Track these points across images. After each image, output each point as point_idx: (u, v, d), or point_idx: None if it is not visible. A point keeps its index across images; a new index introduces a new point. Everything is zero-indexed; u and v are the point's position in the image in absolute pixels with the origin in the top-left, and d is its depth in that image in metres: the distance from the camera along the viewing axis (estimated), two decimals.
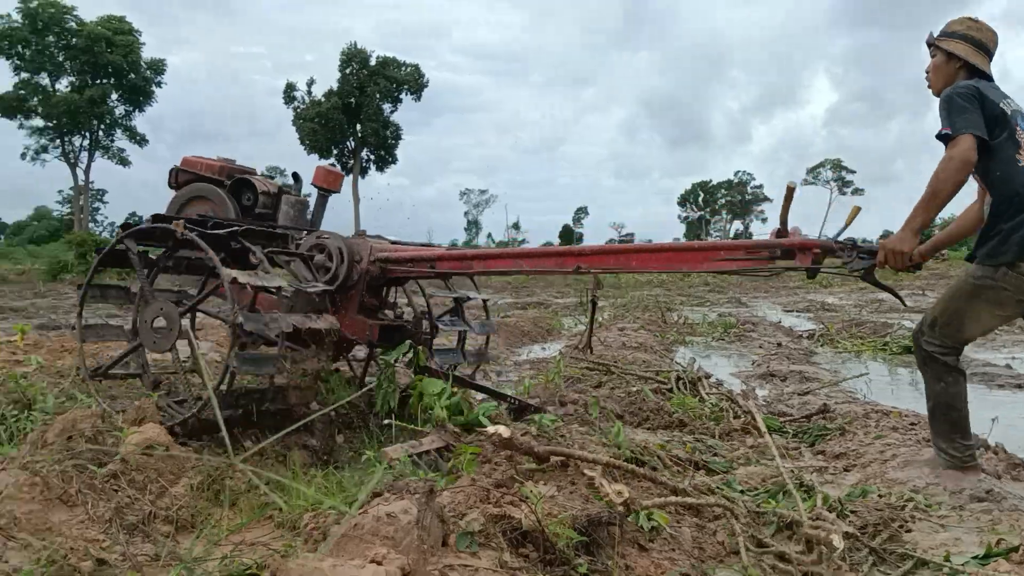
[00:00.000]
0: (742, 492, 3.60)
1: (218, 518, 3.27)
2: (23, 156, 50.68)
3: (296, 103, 59.16)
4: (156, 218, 4.22)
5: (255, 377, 4.63)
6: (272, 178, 5.33)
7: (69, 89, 49.01)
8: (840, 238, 3.60)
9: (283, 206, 5.10)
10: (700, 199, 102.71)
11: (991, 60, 3.73)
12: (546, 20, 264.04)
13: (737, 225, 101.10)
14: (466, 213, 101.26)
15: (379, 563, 1.66)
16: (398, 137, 60.54)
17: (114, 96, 50.62)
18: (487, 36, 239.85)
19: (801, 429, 5.05)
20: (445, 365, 4.88)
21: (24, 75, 48.08)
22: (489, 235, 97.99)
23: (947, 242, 4.03)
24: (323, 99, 58.21)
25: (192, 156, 5.32)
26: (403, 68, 59.17)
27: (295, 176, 5.38)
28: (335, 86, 58.51)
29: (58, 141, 50.55)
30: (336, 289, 4.45)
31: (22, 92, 48.05)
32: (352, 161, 59.39)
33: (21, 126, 49.42)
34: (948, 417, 3.68)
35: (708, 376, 6.44)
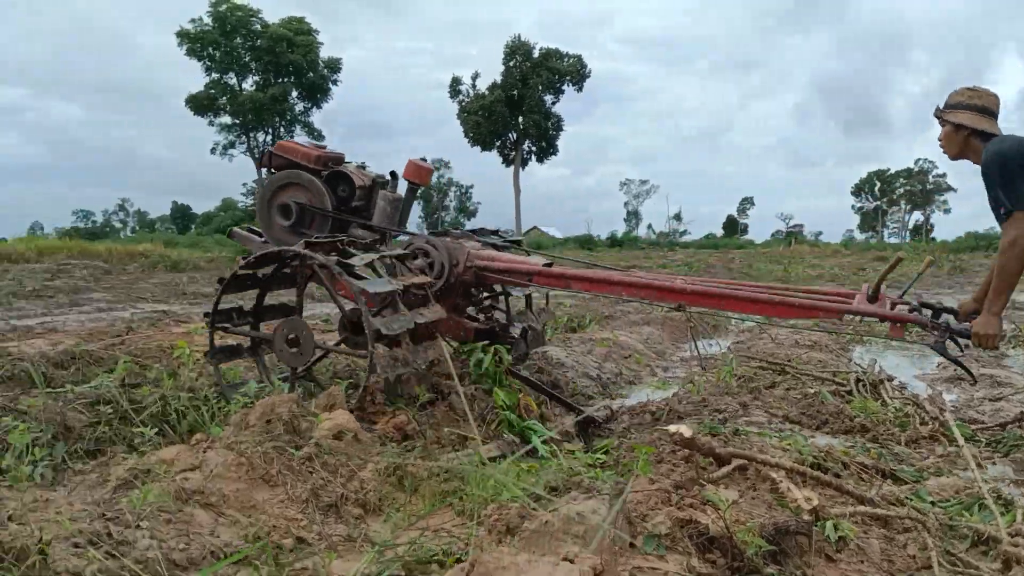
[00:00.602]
0: (933, 504, 3.42)
1: (402, 503, 3.43)
2: (212, 151, 54.52)
3: (461, 96, 60.51)
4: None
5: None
6: (364, 167, 5.34)
7: (254, 88, 52.20)
8: (912, 293, 3.82)
9: (379, 201, 5.13)
10: (876, 189, 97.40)
11: (996, 119, 3.93)
12: (711, 5, 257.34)
13: (916, 216, 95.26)
14: (626, 204, 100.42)
15: (571, 561, 1.69)
16: (559, 128, 60.81)
17: (294, 94, 53.47)
18: (649, 23, 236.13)
19: (995, 438, 4.73)
20: (517, 360, 5.04)
21: (214, 75, 51.67)
22: (649, 226, 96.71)
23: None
24: (487, 92, 59.24)
25: (288, 141, 5.37)
26: (565, 59, 59.30)
27: (392, 174, 5.36)
28: (498, 79, 59.44)
29: (244, 137, 53.94)
30: (439, 289, 4.65)
31: (212, 91, 51.63)
32: (514, 153, 60.19)
33: (211, 123, 53.15)
34: None
35: (890, 379, 6.13)
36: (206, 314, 4.72)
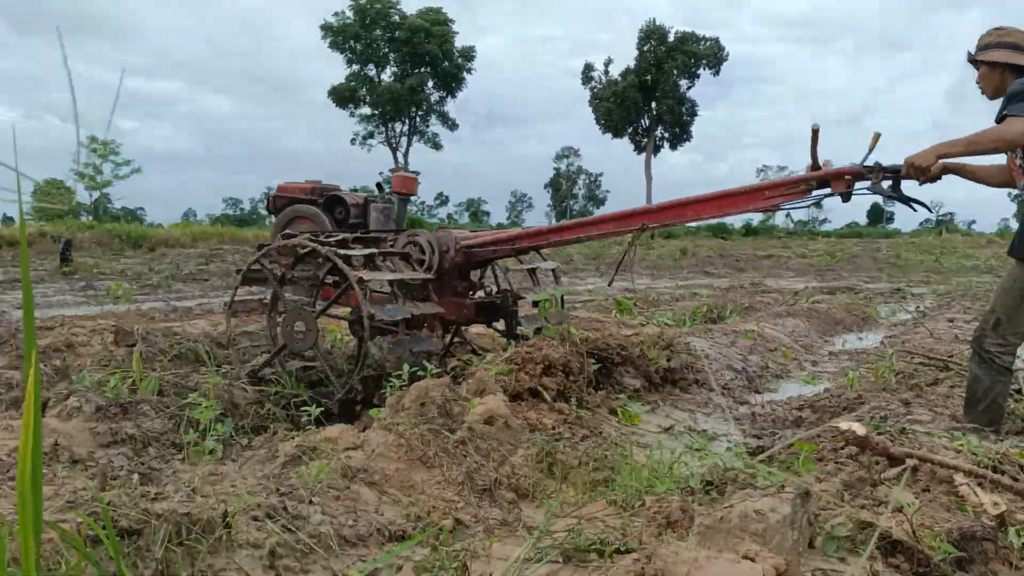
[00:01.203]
0: None
1: (553, 490, 3.44)
2: (352, 141, 56.49)
3: (593, 83, 60.17)
4: (284, 236, 4.98)
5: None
6: (355, 190, 5.95)
7: (392, 79, 53.66)
8: (867, 163, 4.12)
9: (372, 213, 5.73)
10: None
11: None
12: None
13: None
14: None
15: (752, 559, 1.65)
16: (694, 113, 59.65)
17: (430, 84, 54.60)
18: (789, 3, 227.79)
19: None
20: (530, 328, 5.46)
21: (355, 67, 53.42)
22: (788, 214, 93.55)
23: (960, 173, 4.21)
24: (619, 78, 58.69)
25: (285, 182, 5.95)
26: (702, 42, 58.07)
27: (379, 186, 6.04)
28: (632, 64, 58.78)
29: (381, 127, 55.55)
30: (439, 276, 5.10)
31: (353, 83, 53.40)
32: (646, 139, 59.45)
33: (351, 114, 55.01)
34: (990, 412, 3.94)
35: None
36: (226, 304, 5.17)
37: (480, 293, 5.67)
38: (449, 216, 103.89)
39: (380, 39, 52.66)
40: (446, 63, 53.59)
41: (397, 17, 52.23)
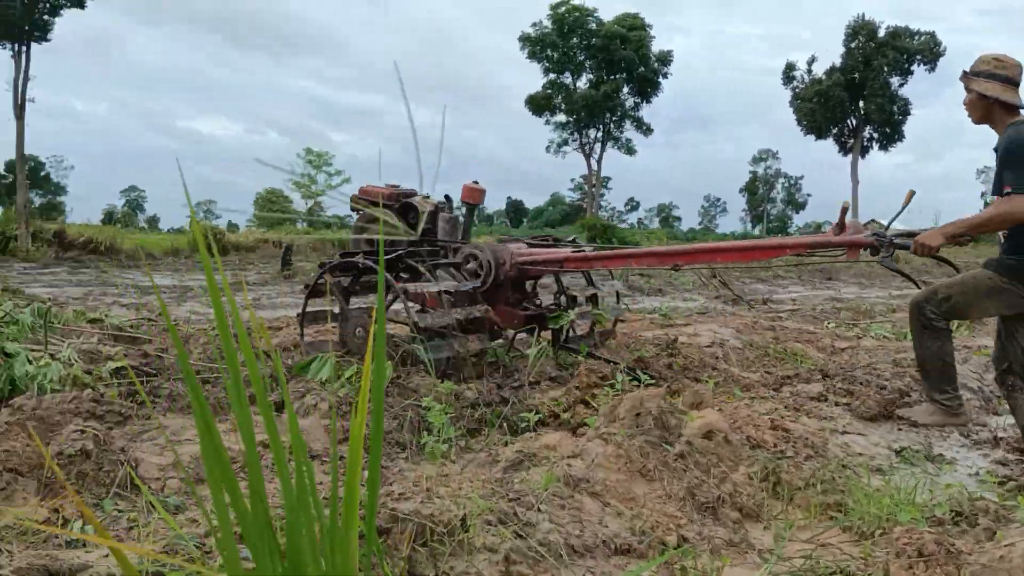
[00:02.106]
0: None
1: (779, 511, 3.29)
2: (547, 149, 57.28)
3: (795, 83, 57.75)
4: (343, 255, 5.51)
5: None
6: (427, 197, 6.24)
7: (588, 86, 53.97)
8: (896, 222, 4.56)
9: (440, 222, 6.03)
10: None
11: (1018, 88, 4.03)
12: None
13: None
14: (982, 194, 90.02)
15: None
16: (906, 112, 55.90)
17: (624, 89, 54.43)
18: None
19: None
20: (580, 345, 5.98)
21: (551, 76, 54.17)
22: None
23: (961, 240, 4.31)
24: (823, 76, 55.98)
25: (367, 186, 6.28)
26: (916, 37, 54.35)
27: (447, 198, 6.24)
28: (837, 62, 55.90)
29: (575, 134, 55.96)
30: (488, 288, 5.52)
31: (549, 91, 54.18)
32: (852, 141, 56.33)
33: (547, 122, 55.80)
34: (941, 371, 4.22)
35: None
36: (298, 315, 5.71)
37: (538, 301, 6.20)
38: (639, 222, 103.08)
39: (576, 47, 53.07)
40: (642, 68, 53.22)
41: (594, 25, 52.46)
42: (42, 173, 70.06)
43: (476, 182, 6.21)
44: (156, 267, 21.61)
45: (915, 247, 4.17)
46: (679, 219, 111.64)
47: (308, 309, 5.62)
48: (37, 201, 62.25)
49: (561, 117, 55.35)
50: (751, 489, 3.35)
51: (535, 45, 52.90)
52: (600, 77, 53.69)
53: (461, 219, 6.19)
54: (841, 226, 4.61)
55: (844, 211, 4.66)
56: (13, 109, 32.56)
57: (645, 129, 56.59)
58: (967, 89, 4.16)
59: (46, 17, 32.32)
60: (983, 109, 4.12)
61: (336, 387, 4.83)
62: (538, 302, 6.16)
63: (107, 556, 1.72)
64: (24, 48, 32.25)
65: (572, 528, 2.62)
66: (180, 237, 29.87)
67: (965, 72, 4.17)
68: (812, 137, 57.18)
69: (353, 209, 6.53)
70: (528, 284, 6.07)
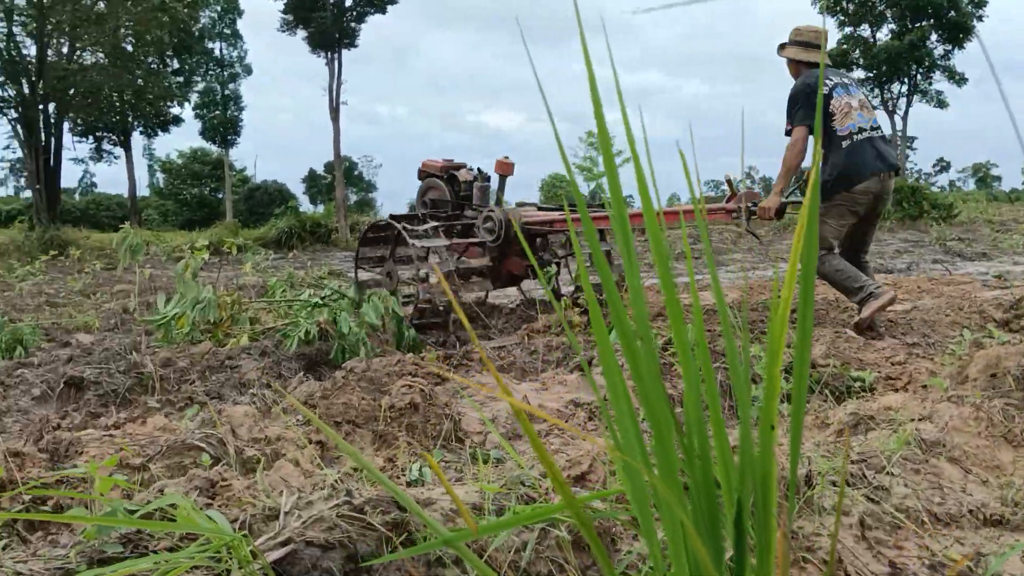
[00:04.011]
0: None
1: None
2: None
3: None
4: (392, 217, 6.78)
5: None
6: (472, 169, 7.63)
7: (889, 37, 49.66)
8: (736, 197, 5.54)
9: (474, 190, 7.35)
10: None
11: (819, 48, 5.22)
12: None
13: None
14: None
15: None
16: None
17: (932, 37, 49.43)
18: None
19: None
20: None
21: (847, 30, 50.45)
22: None
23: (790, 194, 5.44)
24: None
25: (427, 160, 7.81)
26: None
27: (479, 170, 7.60)
28: None
29: (877, 90, 51.74)
30: (501, 243, 6.81)
31: (845, 46, 50.50)
32: None
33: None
34: (844, 279, 4.99)
35: None
36: (355, 282, 7.06)
37: (547, 255, 7.42)
38: (951, 184, 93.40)
39: None
40: (951, 13, 47.96)
41: None
42: (355, 172, 77.15)
43: (507, 157, 7.54)
44: None
45: (759, 211, 5.26)
46: (998, 179, 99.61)
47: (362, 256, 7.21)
48: (352, 198, 68.72)
49: (860, 73, 51.43)
50: None
51: None
52: (903, 26, 49.18)
53: (492, 188, 7.61)
54: (733, 194, 5.61)
55: (728, 181, 5.79)
56: (329, 113, 36.04)
57: (958, 79, 51.03)
58: (780, 55, 5.43)
59: (353, 24, 35.37)
60: (793, 68, 5.40)
61: None
62: (547, 256, 7.40)
63: (446, 494, 1.71)
64: (336, 55, 35.54)
65: (932, 495, 2.29)
66: None
67: (781, 44, 5.41)
68: None
69: (419, 178, 8.02)
70: (538, 241, 7.33)
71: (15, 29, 26.75)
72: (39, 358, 5.47)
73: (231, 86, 50.06)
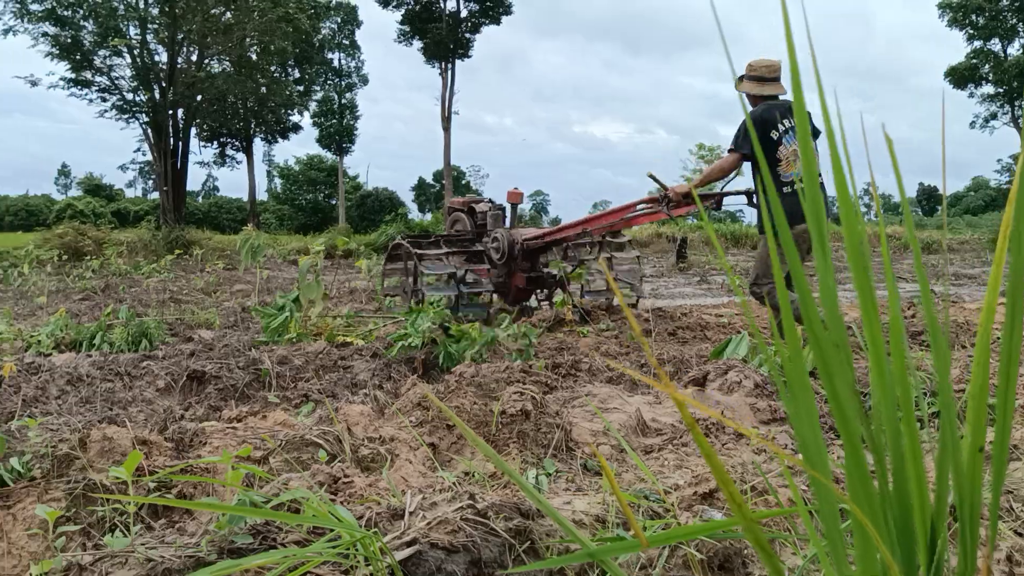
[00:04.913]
0: None
1: None
2: (971, 125, 51.04)
3: None
4: (405, 236, 8.08)
5: None
6: (488, 202, 8.70)
7: (1021, 52, 47.18)
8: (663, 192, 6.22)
9: (488, 218, 8.32)
10: None
11: (772, 81, 5.55)
12: None
13: None
14: None
15: None
16: None
17: None
18: None
19: None
20: (591, 301, 8.20)
21: (976, 44, 48.18)
22: None
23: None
24: None
25: (453, 198, 9.22)
26: None
27: (491, 201, 8.68)
28: None
29: (1006, 106, 49.23)
30: (506, 260, 7.83)
31: (974, 61, 48.26)
32: None
33: (971, 95, 49.76)
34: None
35: None
36: (381, 268, 8.47)
37: (545, 271, 8.09)
38: None
39: (1007, 9, 46.64)
40: None
41: None
42: (463, 181, 78.23)
43: (516, 188, 8.47)
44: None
45: (671, 194, 6.07)
46: None
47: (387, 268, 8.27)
48: None
49: (989, 88, 49.04)
50: None
51: (957, 12, 47.42)
52: None
53: (502, 214, 8.45)
54: (664, 188, 6.22)
55: (651, 177, 6.28)
56: (441, 122, 36.59)
57: None
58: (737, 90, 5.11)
59: (467, 35, 35.88)
60: (752, 100, 5.60)
61: (756, 364, 4.59)
62: (546, 270, 8.09)
63: (568, 503, 1.66)
64: (450, 65, 36.07)
65: None
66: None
67: (739, 77, 5.64)
68: None
69: (445, 216, 9.44)
70: (541, 258, 8.13)
71: (148, 37, 28.20)
72: (163, 351, 5.70)
73: (348, 95, 51.54)
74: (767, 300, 5.44)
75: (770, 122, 5.32)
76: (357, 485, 1.92)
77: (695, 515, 1.72)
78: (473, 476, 2.88)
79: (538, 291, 8.54)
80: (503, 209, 8.51)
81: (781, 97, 5.56)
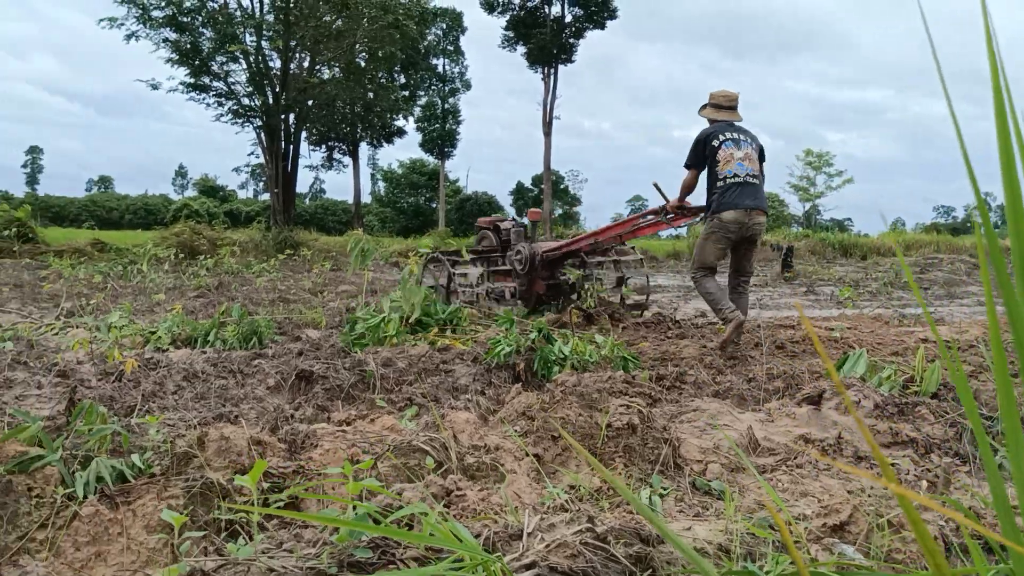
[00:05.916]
0: None
1: None
2: None
3: None
4: (443, 252, 9.50)
5: None
6: (512, 220, 9.73)
7: None
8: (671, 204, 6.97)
9: (512, 235, 9.23)
10: None
11: (728, 108, 6.61)
12: None
13: None
14: None
15: None
16: None
17: None
18: None
19: None
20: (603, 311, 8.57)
21: None
22: None
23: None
24: None
25: (481, 218, 10.00)
26: None
27: (514, 219, 9.53)
28: None
29: None
30: (528, 270, 8.69)
31: None
32: None
33: None
34: (716, 301, 6.29)
35: None
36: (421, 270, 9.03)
37: (563, 277, 8.94)
38: None
39: None
40: None
41: None
42: (561, 186, 78.19)
43: (536, 207, 9.49)
44: (659, 268, 22.63)
45: (668, 207, 6.87)
46: None
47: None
48: (557, 211, 69.61)
49: None
50: None
51: None
52: None
53: (524, 231, 9.36)
54: (665, 200, 6.91)
55: (655, 186, 6.95)
56: (542, 127, 36.61)
57: None
58: (699, 115, 6.77)
59: (571, 40, 35.84)
60: (710, 123, 6.56)
61: (875, 384, 4.39)
62: (564, 277, 8.89)
63: (688, 529, 1.59)
64: (552, 70, 36.08)
65: None
66: (679, 242, 30.96)
67: (703, 104, 6.71)
68: None
69: (473, 233, 10.66)
70: (559, 268, 8.89)
71: (263, 44, 29.16)
72: (273, 350, 5.85)
73: (451, 100, 52.22)
74: (698, 283, 6.41)
75: (713, 135, 6.41)
76: (469, 498, 1.89)
77: (824, 548, 1.63)
78: (579, 489, 2.83)
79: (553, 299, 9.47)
80: (524, 227, 9.62)
81: (737, 124, 6.57)
